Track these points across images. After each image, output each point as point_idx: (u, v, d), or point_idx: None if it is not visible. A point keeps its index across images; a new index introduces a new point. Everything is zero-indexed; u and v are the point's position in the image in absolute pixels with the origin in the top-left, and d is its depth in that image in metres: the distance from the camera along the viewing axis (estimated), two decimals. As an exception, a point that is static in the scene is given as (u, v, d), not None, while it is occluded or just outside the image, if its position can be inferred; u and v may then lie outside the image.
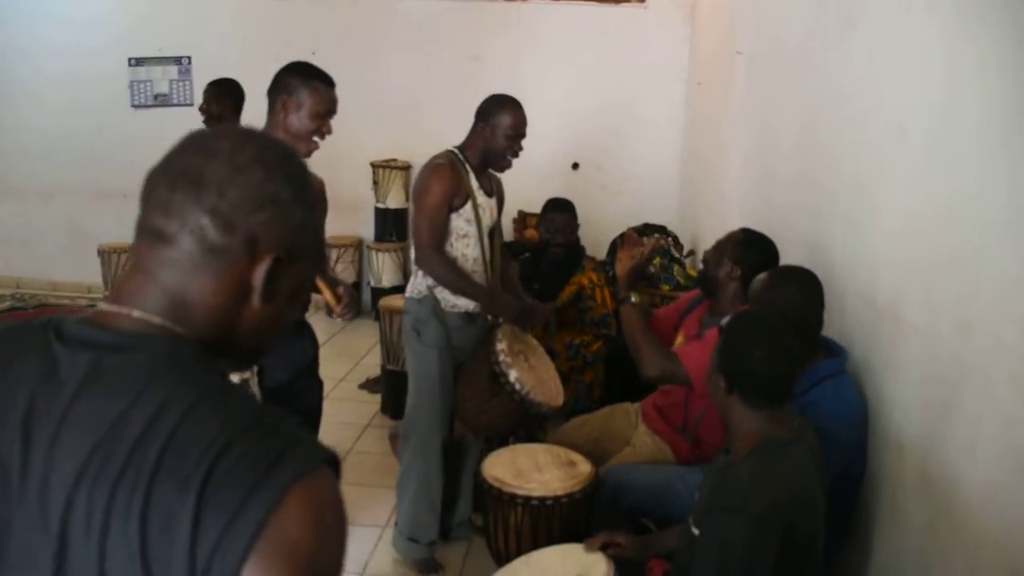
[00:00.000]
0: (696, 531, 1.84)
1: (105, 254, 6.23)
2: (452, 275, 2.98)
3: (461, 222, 3.02)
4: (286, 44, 6.67)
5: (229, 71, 6.94)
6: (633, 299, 2.86)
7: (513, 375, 2.85)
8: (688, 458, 2.79)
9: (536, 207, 6.51)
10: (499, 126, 3.02)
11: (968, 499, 1.74)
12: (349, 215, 6.90)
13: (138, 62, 7.13)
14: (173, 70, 7.11)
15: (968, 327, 1.78)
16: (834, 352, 2.32)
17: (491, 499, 2.62)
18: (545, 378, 3.10)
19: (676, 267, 4.51)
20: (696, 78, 5.82)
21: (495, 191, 3.20)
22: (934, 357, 1.93)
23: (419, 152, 6.56)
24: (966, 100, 1.85)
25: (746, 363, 1.82)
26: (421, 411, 3.11)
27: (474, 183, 3.05)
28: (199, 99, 7.02)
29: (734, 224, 4.30)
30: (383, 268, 6.51)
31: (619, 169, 6.51)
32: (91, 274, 6.63)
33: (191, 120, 7.01)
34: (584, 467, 2.66)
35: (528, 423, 3.29)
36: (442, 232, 2.98)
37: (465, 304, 3.08)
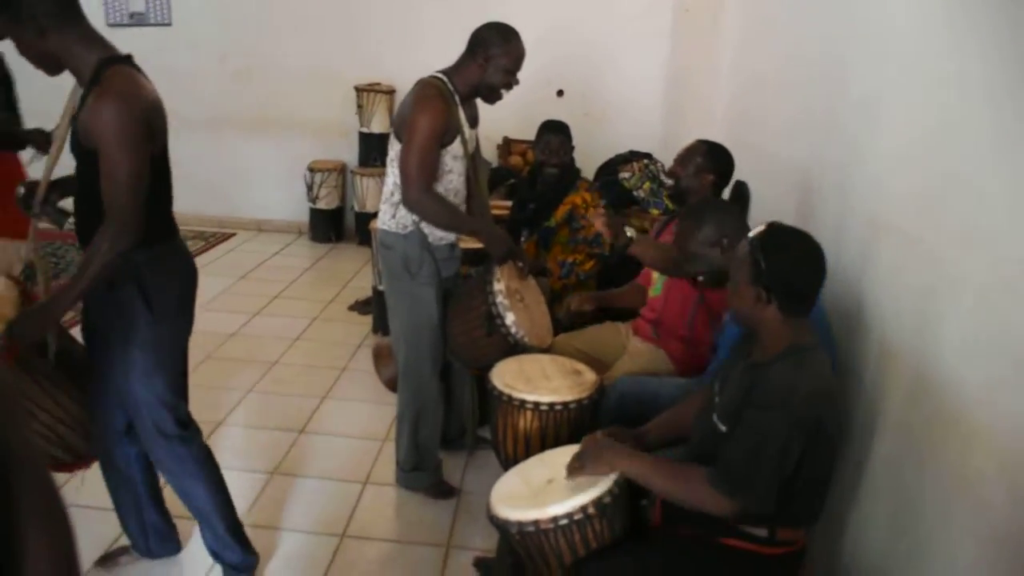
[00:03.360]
0: (723, 427, 1.95)
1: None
2: (447, 215, 2.90)
3: (448, 158, 2.91)
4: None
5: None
6: (630, 234, 2.94)
7: (510, 319, 2.89)
8: (684, 358, 3.00)
9: (521, 134, 6.56)
10: (498, 59, 2.90)
11: (962, 398, 1.86)
12: (333, 139, 6.88)
13: (113, -21, 6.95)
14: (150, -13, 6.94)
15: (968, 239, 1.88)
16: None
17: (501, 405, 2.70)
18: (537, 317, 3.12)
19: (665, 192, 4.58)
20: (684, 4, 5.82)
21: (476, 119, 3.11)
22: (933, 268, 2.03)
23: (403, 77, 6.52)
24: (969, 17, 1.92)
25: (789, 275, 1.91)
26: (420, 351, 3.07)
27: (461, 116, 2.93)
28: (177, 18, 6.92)
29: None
30: (367, 193, 6.53)
31: (604, 96, 6.52)
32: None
33: (168, 40, 6.93)
34: (589, 376, 2.76)
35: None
36: (433, 170, 2.86)
37: (444, 237, 3.02)
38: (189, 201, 7.50)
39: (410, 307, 3.03)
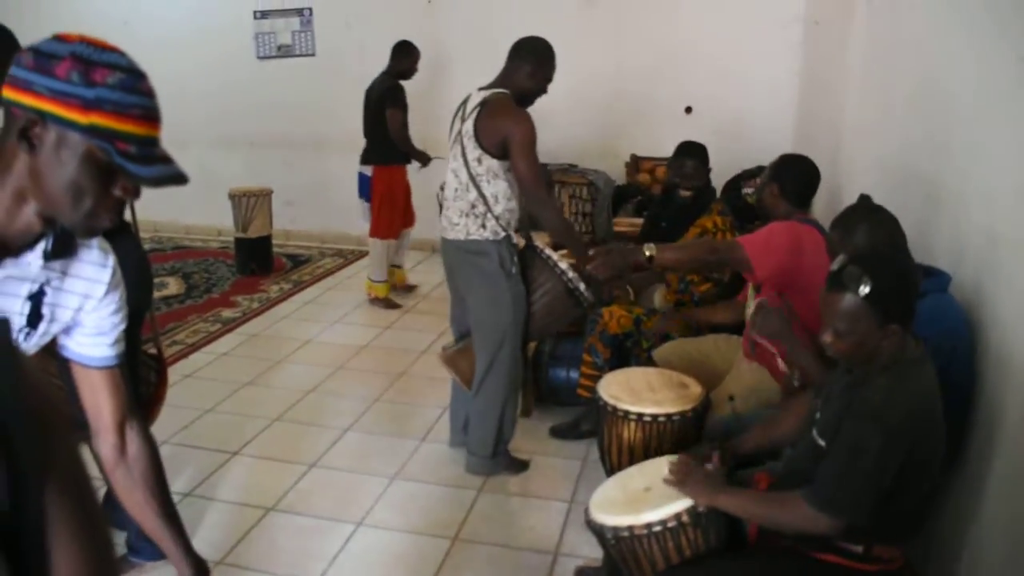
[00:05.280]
0: (822, 442, 1.92)
1: (236, 198, 6.59)
2: (561, 222, 3.29)
3: None
4: (403, -8, 6.86)
5: (348, 21, 7.19)
6: (648, 252, 2.86)
7: (583, 288, 3.28)
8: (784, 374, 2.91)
9: (648, 151, 6.58)
10: (545, 72, 3.24)
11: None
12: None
13: (263, 15, 7.44)
14: (295, 21, 7.39)
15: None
16: (934, 274, 2.33)
17: (607, 416, 2.76)
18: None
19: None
20: (813, 17, 5.70)
21: None
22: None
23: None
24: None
25: (911, 299, 1.85)
26: (516, 342, 3.35)
27: None
28: (321, 49, 7.33)
29: (850, 161, 4.28)
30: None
31: (733, 113, 6.44)
32: (221, 218, 7.01)
33: (313, 69, 7.36)
34: (695, 389, 2.77)
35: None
36: (543, 175, 3.23)
37: (516, 239, 3.35)
38: (332, 219, 7.94)
39: (512, 304, 3.29)
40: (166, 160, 1.24)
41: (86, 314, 1.45)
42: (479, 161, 3.17)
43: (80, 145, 1.17)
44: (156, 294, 6.01)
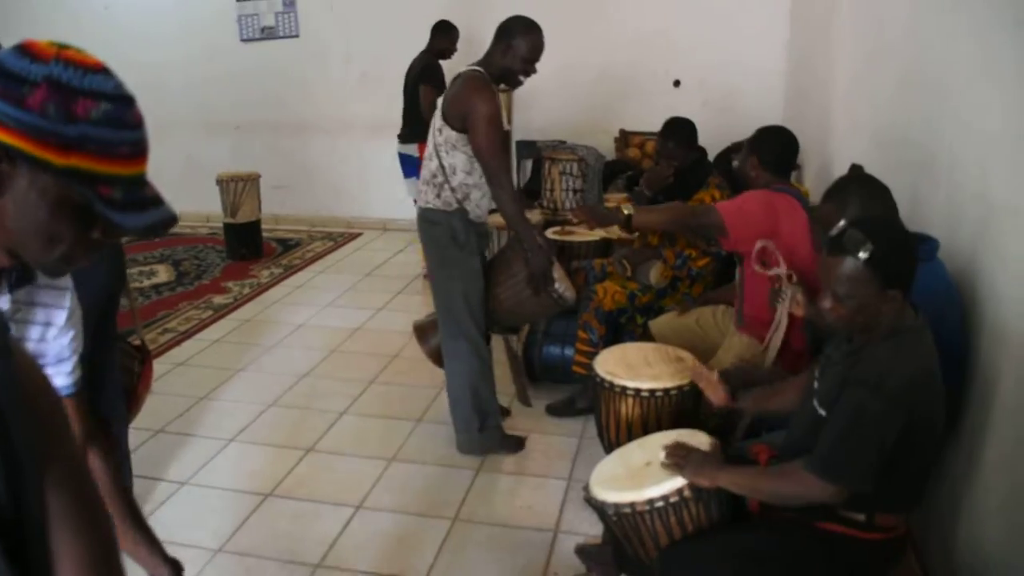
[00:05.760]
0: (823, 412, 1.91)
1: (223, 183, 6.53)
2: (513, 205, 3.21)
3: None
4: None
5: (332, 2, 7.12)
6: (627, 211, 3.08)
7: (561, 287, 3.28)
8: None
9: (637, 126, 6.55)
10: (518, 49, 3.16)
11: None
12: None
13: (245, -4, 7.35)
14: (278, 3, 7.31)
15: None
16: (922, 240, 2.31)
17: (603, 392, 2.75)
18: (563, 273, 3.48)
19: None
20: (802, -14, 5.67)
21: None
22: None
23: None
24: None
25: (912, 263, 1.85)
26: (474, 315, 3.36)
27: (500, 101, 3.22)
28: (305, 30, 7.26)
29: (841, 131, 4.26)
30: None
31: (723, 84, 6.42)
32: (209, 204, 6.95)
33: (297, 51, 7.29)
34: (691, 362, 2.75)
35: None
36: (504, 152, 3.18)
37: (480, 215, 3.36)
38: (321, 202, 7.90)
39: (463, 276, 3.33)
40: (156, 202, 1.06)
41: (48, 343, 1.35)
42: (440, 131, 3.23)
43: (54, 189, 0.98)
44: (146, 282, 5.98)
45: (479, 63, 3.25)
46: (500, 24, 3.24)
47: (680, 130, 3.91)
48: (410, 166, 5.79)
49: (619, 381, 2.68)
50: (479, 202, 3.32)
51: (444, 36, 5.74)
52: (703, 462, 2.07)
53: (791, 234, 2.83)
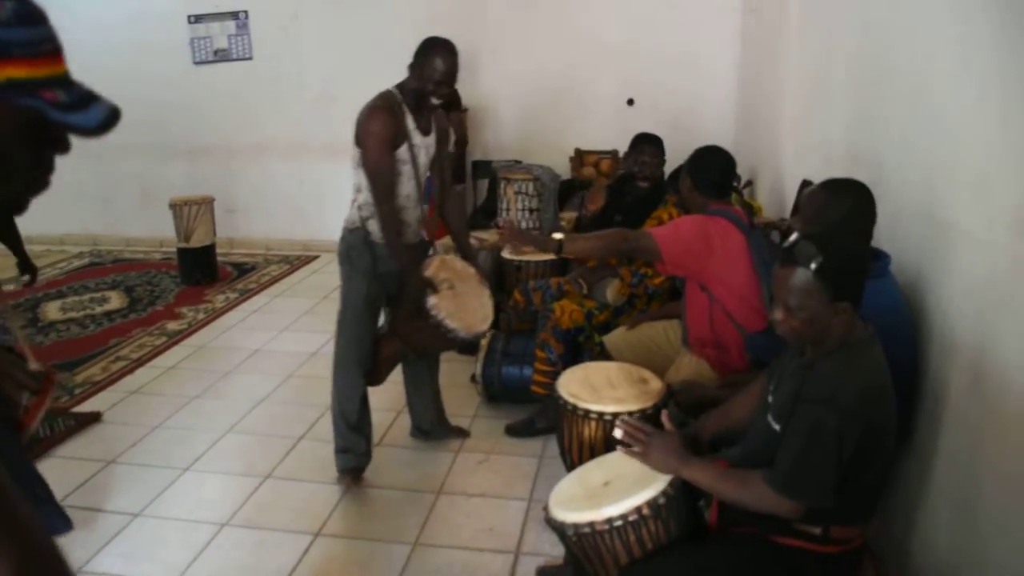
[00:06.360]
0: (777, 426, 1.93)
1: (177, 207, 6.45)
2: (387, 228, 3.13)
3: (398, 163, 3.15)
4: (340, -7, 6.79)
5: (285, 24, 7.09)
6: (558, 236, 3.06)
7: (431, 301, 3.13)
8: (720, 364, 3.00)
9: (592, 144, 6.60)
10: (427, 69, 3.09)
11: (1021, 396, 1.80)
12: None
13: (197, 19, 7.30)
14: (231, 25, 7.26)
15: (1021, 225, 1.82)
16: (876, 256, 2.36)
17: (566, 414, 2.75)
18: (470, 305, 3.28)
19: (734, 196, 4.53)
20: (751, 6, 5.77)
21: (436, 128, 3.29)
22: (989, 258, 1.97)
23: (476, 96, 6.63)
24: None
25: (861, 275, 1.88)
26: (342, 336, 3.35)
27: (411, 123, 3.15)
28: (258, 53, 7.22)
29: (790, 151, 4.33)
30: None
31: (675, 104, 6.50)
32: (162, 228, 6.86)
33: (250, 73, 7.23)
34: (655, 384, 2.76)
35: (462, 347, 3.81)
36: (387, 173, 3.10)
37: (408, 238, 3.29)
38: (277, 225, 7.83)
39: (345, 293, 3.32)
40: (94, 96, 0.98)
41: None
42: (354, 150, 3.20)
43: (2, 111, 0.91)
44: (98, 309, 5.89)
45: (399, 85, 3.20)
46: (420, 44, 3.18)
47: (658, 141, 3.95)
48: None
49: (582, 404, 2.69)
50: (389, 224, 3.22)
51: None
52: (667, 449, 2.08)
53: (724, 258, 2.87)
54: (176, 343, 5.23)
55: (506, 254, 4.84)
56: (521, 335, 4.09)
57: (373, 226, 3.21)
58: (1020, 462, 1.78)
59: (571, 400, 2.73)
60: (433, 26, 6.34)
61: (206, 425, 4.03)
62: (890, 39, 2.79)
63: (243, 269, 7.00)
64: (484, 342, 4.11)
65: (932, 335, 2.27)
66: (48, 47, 0.94)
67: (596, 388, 2.77)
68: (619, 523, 2.03)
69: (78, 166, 7.48)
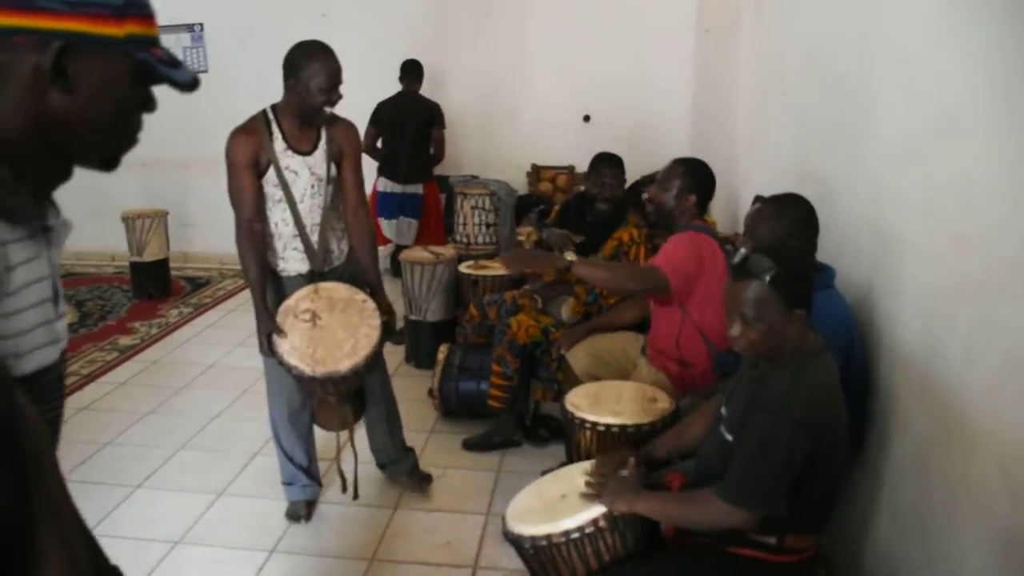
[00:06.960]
0: (730, 437, 1.96)
1: (129, 220, 6.36)
2: (243, 264, 2.96)
3: (269, 187, 2.92)
4: (297, 8, 6.76)
5: (242, 37, 7.05)
6: (569, 257, 2.97)
7: (285, 349, 2.88)
8: (681, 380, 3.02)
9: (548, 160, 6.65)
10: (310, 79, 2.81)
11: (964, 401, 1.86)
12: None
13: (151, 31, 7.21)
14: (186, 37, 7.19)
15: (963, 240, 1.89)
16: (821, 270, 2.41)
17: (568, 423, 2.82)
18: (332, 338, 2.91)
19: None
20: (704, 25, 5.87)
21: (323, 144, 2.98)
22: (934, 271, 2.03)
23: (452, 113, 6.58)
24: (958, 22, 1.94)
25: (809, 275, 1.94)
26: (265, 371, 3.20)
27: (279, 145, 2.89)
28: (213, 65, 7.15)
29: (743, 167, 4.41)
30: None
31: (631, 120, 6.57)
32: (115, 242, 6.75)
33: (206, 86, 7.09)
34: (664, 404, 2.78)
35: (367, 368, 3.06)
36: (243, 200, 2.89)
37: (296, 267, 3.04)
38: (232, 239, 7.70)
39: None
40: (178, 58, 1.05)
41: None
42: None
43: (123, 63, 0.98)
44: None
45: (275, 104, 2.97)
46: (283, 59, 2.92)
47: (618, 161, 3.87)
48: (409, 204, 6.08)
49: (579, 414, 2.76)
50: (273, 248, 3.03)
51: (422, 74, 6.10)
52: (620, 489, 2.09)
53: (711, 276, 2.87)
54: (128, 358, 5.15)
55: (464, 268, 4.85)
56: (478, 349, 4.09)
57: (274, 258, 3.03)
58: (965, 469, 1.83)
59: (570, 409, 2.80)
60: (392, 42, 6.37)
61: (159, 441, 3.96)
62: (836, 57, 2.87)
63: (197, 283, 6.92)
64: (441, 356, 4.11)
65: (882, 347, 2.33)
66: (150, 10, 1.02)
67: (601, 401, 2.83)
68: (576, 536, 2.05)
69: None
